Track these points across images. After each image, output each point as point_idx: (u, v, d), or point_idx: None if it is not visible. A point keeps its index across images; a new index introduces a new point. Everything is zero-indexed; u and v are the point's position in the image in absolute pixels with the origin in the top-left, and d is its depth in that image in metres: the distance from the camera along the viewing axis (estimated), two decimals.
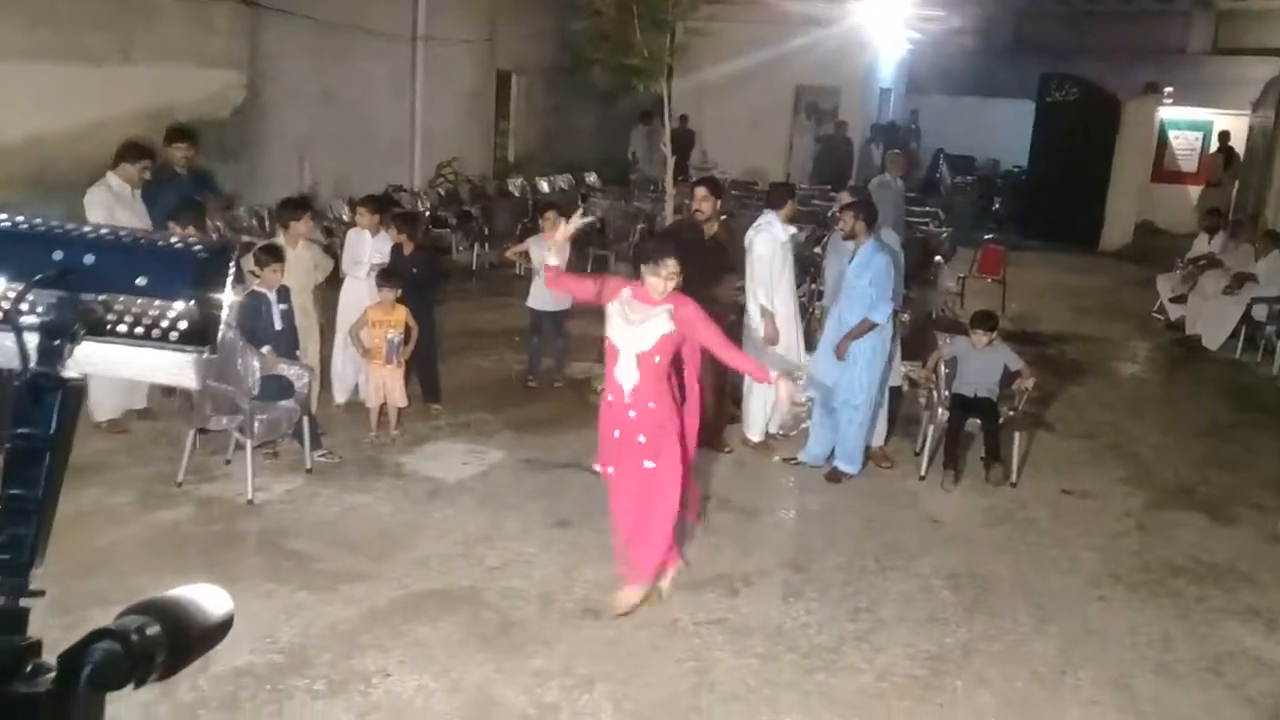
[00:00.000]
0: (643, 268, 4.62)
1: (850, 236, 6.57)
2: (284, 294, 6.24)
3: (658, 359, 4.63)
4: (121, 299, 0.92)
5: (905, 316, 8.00)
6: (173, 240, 0.95)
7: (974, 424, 6.84)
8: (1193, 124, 18.41)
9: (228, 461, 6.26)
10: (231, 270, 0.95)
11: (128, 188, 6.65)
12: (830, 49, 17.68)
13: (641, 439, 4.74)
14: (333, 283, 7.25)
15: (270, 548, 5.36)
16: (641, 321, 4.61)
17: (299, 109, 10.97)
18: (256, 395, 5.98)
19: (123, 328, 0.92)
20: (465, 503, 6.05)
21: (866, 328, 6.45)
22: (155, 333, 0.92)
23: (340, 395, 7.28)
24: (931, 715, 4.31)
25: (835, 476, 6.71)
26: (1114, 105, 16.89)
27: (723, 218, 7.02)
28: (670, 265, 4.54)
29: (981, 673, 4.63)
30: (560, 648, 4.59)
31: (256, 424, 5.85)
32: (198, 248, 0.94)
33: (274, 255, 6.21)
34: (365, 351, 6.80)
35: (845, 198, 7.56)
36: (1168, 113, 18.11)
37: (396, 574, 5.13)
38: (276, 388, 6.09)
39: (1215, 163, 17.41)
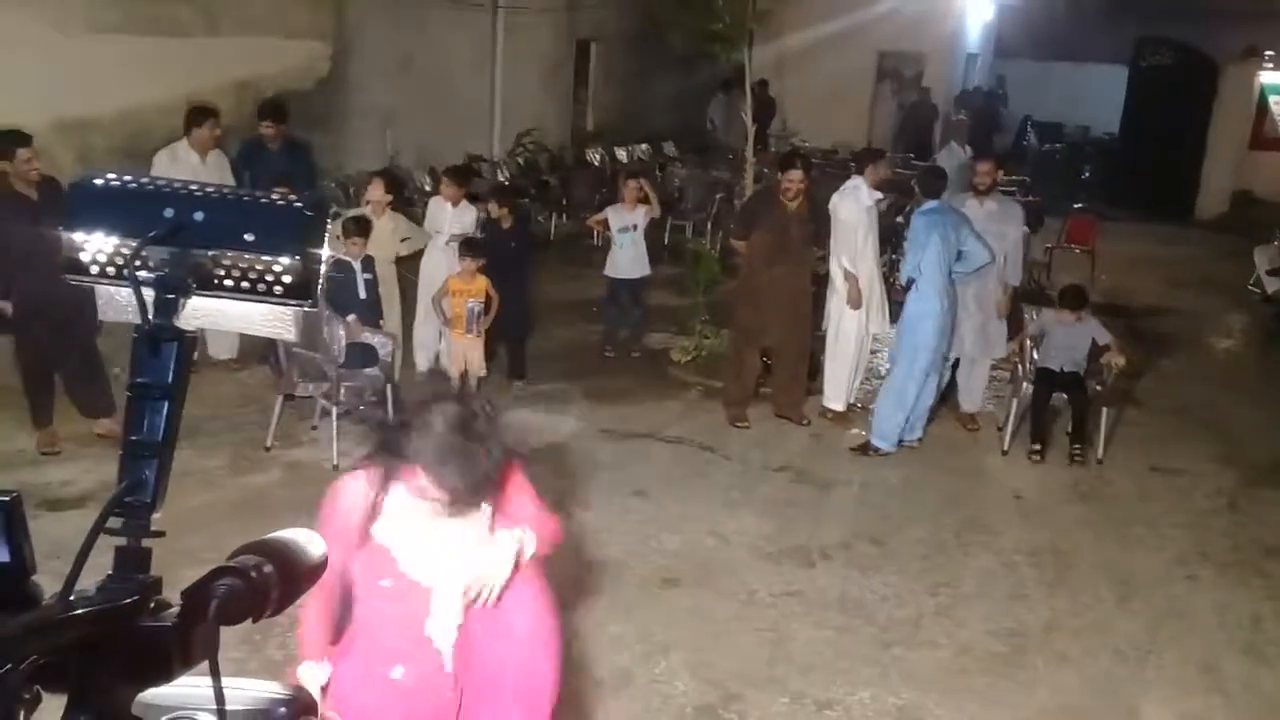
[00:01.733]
0: None
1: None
2: (368, 263, 6.35)
3: None
4: (229, 254, 0.95)
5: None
6: (275, 198, 0.98)
7: (1060, 398, 6.70)
8: None
9: (314, 428, 6.41)
10: (328, 227, 0.98)
11: (195, 155, 6.86)
12: (914, 13, 17.29)
13: None
14: (416, 252, 7.36)
15: None
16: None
17: (381, 80, 11.09)
18: (342, 363, 6.11)
19: (230, 282, 0.96)
20: (542, 471, 6.09)
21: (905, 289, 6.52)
22: (261, 287, 0.96)
23: (422, 363, 7.40)
24: (1012, 691, 4.26)
25: (864, 449, 6.63)
26: (1211, 69, 16.25)
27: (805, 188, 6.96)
28: None
29: (1063, 650, 4.57)
30: (637, 615, 4.64)
31: (342, 391, 5.98)
32: (299, 205, 0.97)
33: (360, 226, 6.33)
34: (446, 320, 6.90)
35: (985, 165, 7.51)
36: (1268, 77, 17.35)
37: None
38: (361, 355, 6.21)
39: None
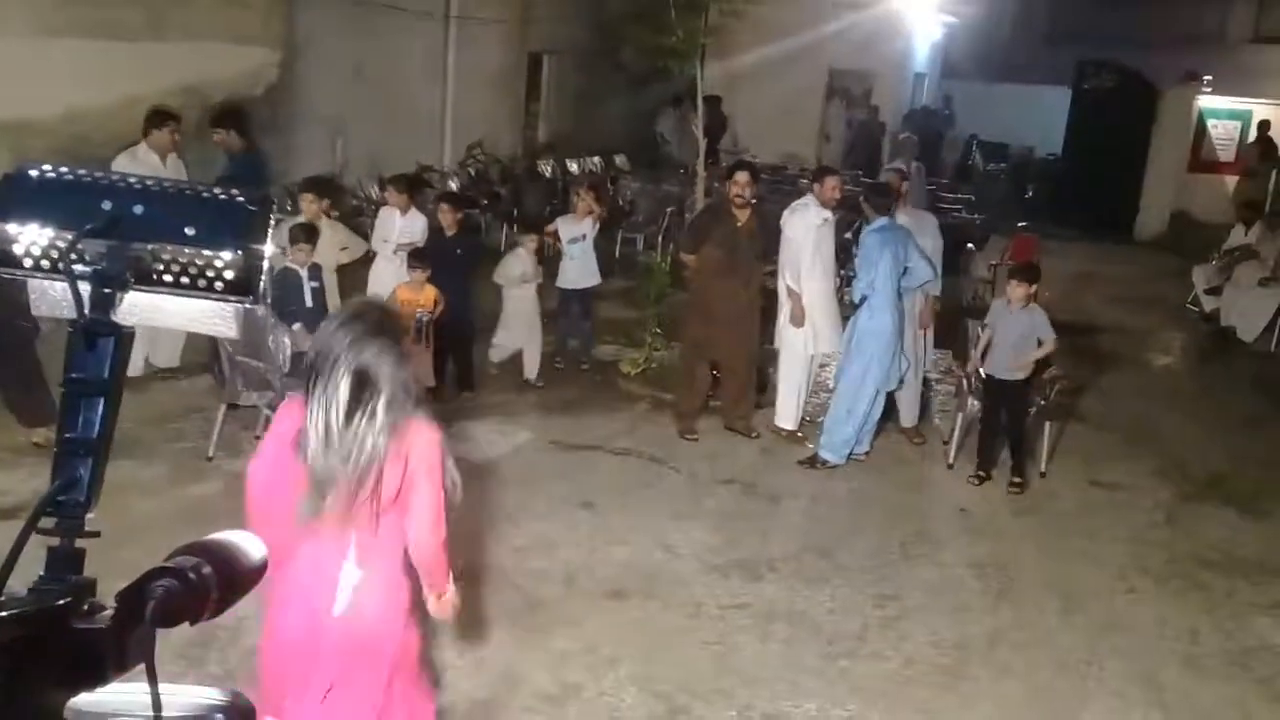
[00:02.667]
0: None
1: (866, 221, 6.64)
2: (315, 271, 6.28)
3: None
4: (170, 248, 0.93)
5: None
6: (218, 192, 0.96)
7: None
8: (1232, 113, 18.09)
9: (257, 437, 6.29)
10: (272, 224, 0.95)
11: (155, 156, 6.86)
12: (864, 33, 17.51)
13: None
14: (363, 260, 7.30)
15: None
16: None
17: (332, 87, 10.99)
18: (287, 372, 6.02)
19: (169, 277, 0.94)
20: (491, 482, 6.08)
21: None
22: (201, 282, 0.94)
23: None
24: (956, 703, 4.30)
25: (812, 462, 6.65)
26: (1151, 93, 16.66)
27: (753, 201, 7.00)
28: None
29: (1007, 662, 4.62)
30: (585, 627, 4.61)
31: (287, 399, 5.89)
32: (242, 199, 0.95)
33: (308, 233, 6.26)
34: None
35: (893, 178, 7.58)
36: (1206, 101, 17.81)
37: None
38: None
39: (1253, 153, 17.14)
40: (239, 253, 0.93)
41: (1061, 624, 5.00)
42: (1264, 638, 5.02)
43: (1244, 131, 17.99)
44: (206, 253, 0.92)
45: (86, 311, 0.91)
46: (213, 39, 9.32)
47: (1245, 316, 10.78)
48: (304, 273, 6.22)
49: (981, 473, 6.58)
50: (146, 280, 0.93)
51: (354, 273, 7.18)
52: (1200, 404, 8.80)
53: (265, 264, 0.95)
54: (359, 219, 9.25)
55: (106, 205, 0.91)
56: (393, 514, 2.58)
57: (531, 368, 7.67)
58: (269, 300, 6.36)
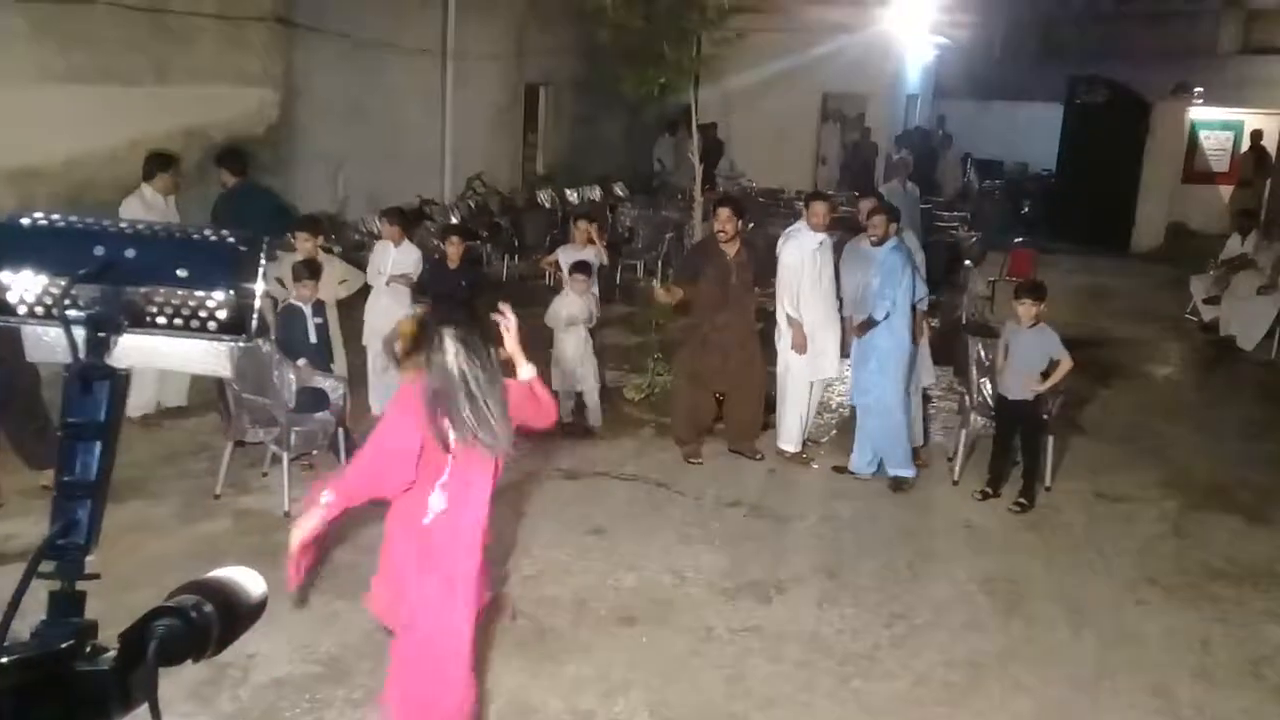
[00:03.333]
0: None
1: (883, 240, 6.60)
2: (319, 307, 6.32)
3: None
4: (162, 290, 0.94)
5: (934, 321, 7.98)
6: (207, 233, 0.97)
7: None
8: (1224, 124, 18.21)
9: (265, 474, 6.34)
10: (263, 263, 0.97)
11: (160, 198, 7.06)
12: (857, 55, 17.65)
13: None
14: (361, 293, 7.34)
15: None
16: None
17: (332, 126, 11.09)
18: (292, 408, 6.06)
19: (163, 319, 0.95)
20: (500, 511, 6.05)
21: (867, 325, 6.53)
22: (194, 323, 0.95)
23: (376, 407, 7.34)
24: None
25: (897, 485, 6.68)
26: (1143, 107, 16.77)
27: (739, 233, 7.02)
28: None
29: (1018, 678, 4.62)
30: (596, 654, 4.62)
31: (293, 436, 5.93)
32: (232, 240, 0.96)
33: (310, 270, 6.31)
34: (399, 363, 6.84)
35: (866, 205, 7.58)
36: (1198, 113, 17.93)
37: None
38: (312, 400, 6.16)
39: (1247, 162, 17.23)
40: (230, 292, 0.94)
41: (1072, 638, 5.00)
42: (1277, 645, 5.01)
43: (1236, 142, 18.09)
44: (199, 294, 0.94)
45: (81, 356, 0.92)
46: (213, 81, 9.43)
47: (1244, 325, 10.81)
48: (307, 309, 6.27)
49: (988, 489, 6.59)
50: (140, 323, 0.94)
51: (354, 305, 7.22)
52: (1202, 413, 8.82)
53: (257, 302, 0.97)
54: (361, 254, 9.30)
55: (99, 250, 0.93)
56: (473, 463, 3.47)
57: (593, 414, 7.50)
58: (273, 337, 6.41)
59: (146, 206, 6.93)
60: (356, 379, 7.21)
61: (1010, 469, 6.67)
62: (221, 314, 0.95)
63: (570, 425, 7.45)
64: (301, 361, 6.19)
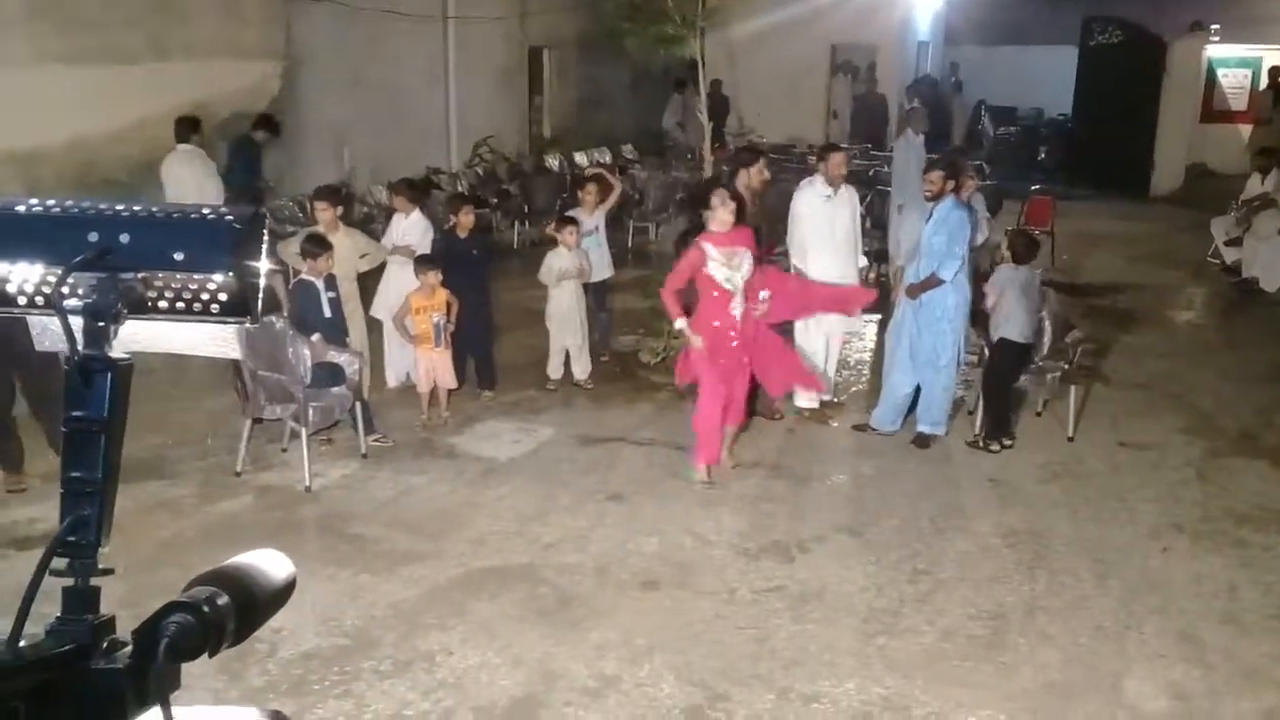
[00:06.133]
0: (708, 213, 5.68)
1: (937, 197, 6.40)
2: (331, 282, 6.30)
3: (751, 279, 5.77)
4: (160, 275, 0.91)
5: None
6: (205, 212, 0.94)
7: (1025, 380, 6.73)
8: (1241, 61, 17.89)
9: (284, 450, 6.35)
10: (266, 238, 0.94)
11: (199, 151, 8.15)
12: (864, 5, 17.40)
13: (737, 345, 5.88)
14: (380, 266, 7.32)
15: (330, 533, 5.45)
16: (739, 262, 5.71)
17: (334, 96, 11.02)
18: (309, 383, 6.05)
19: (164, 304, 0.92)
20: (518, 480, 6.10)
21: (934, 283, 6.33)
22: (196, 307, 0.92)
23: (393, 380, 7.35)
24: (995, 674, 4.28)
25: (923, 442, 6.61)
26: (1159, 46, 16.46)
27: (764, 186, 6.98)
28: (727, 197, 5.72)
29: (1044, 629, 4.60)
30: (619, 619, 4.62)
31: (311, 411, 5.93)
32: (230, 218, 0.93)
33: (321, 244, 6.27)
34: (413, 338, 6.84)
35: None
36: (1215, 51, 17.61)
37: (454, 553, 5.19)
38: (328, 375, 6.16)
39: (1265, 100, 16.93)
40: (230, 274, 0.91)
41: (1097, 588, 4.97)
42: None
43: (1255, 79, 17.77)
44: (198, 277, 0.91)
45: (80, 347, 0.90)
46: (214, 56, 9.37)
47: (1267, 266, 10.66)
48: (320, 284, 6.24)
49: (1006, 440, 6.55)
50: (141, 309, 0.91)
51: (373, 279, 7.20)
52: (1226, 358, 8.72)
53: (261, 282, 0.94)
54: (370, 226, 9.27)
55: (93, 237, 0.90)
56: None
57: (580, 368, 7.59)
58: (286, 313, 6.40)
59: (187, 160, 7.76)
60: (374, 352, 7.22)
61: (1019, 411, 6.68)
62: (223, 296, 0.92)
63: (560, 382, 7.52)
64: (316, 336, 6.17)
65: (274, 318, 6.24)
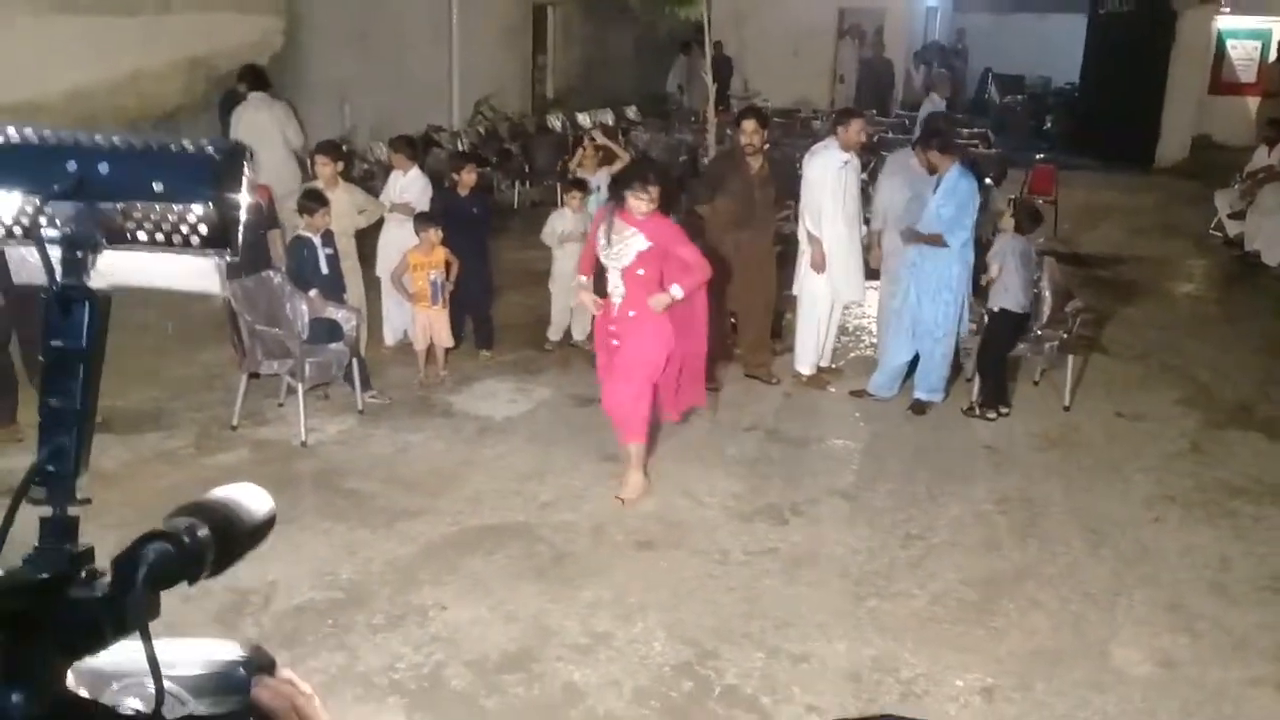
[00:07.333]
0: (627, 191, 5.11)
1: (934, 170, 6.36)
2: (328, 238, 6.28)
3: (640, 272, 5.15)
4: (140, 206, 0.91)
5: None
6: (185, 144, 0.94)
7: (1023, 349, 6.74)
8: (1252, 33, 17.75)
9: (280, 405, 6.36)
10: (247, 171, 0.93)
11: (268, 97, 8.36)
12: None
13: (615, 342, 5.32)
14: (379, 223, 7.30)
15: (326, 488, 5.47)
16: (621, 241, 5.14)
17: (337, 53, 10.94)
18: (306, 339, 6.05)
19: (143, 235, 0.91)
20: (515, 439, 6.11)
21: (937, 240, 6.27)
22: (176, 238, 0.91)
23: (390, 338, 7.35)
24: (984, 638, 4.32)
25: (920, 408, 6.61)
26: (1169, 16, 16.32)
27: (765, 147, 6.92)
28: (651, 190, 5.06)
29: (1034, 596, 4.63)
30: (612, 578, 4.65)
31: (307, 367, 5.93)
32: (210, 149, 0.93)
33: (317, 200, 6.25)
34: (410, 296, 6.82)
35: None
36: (1225, 22, 17.46)
37: (450, 510, 5.21)
38: (325, 331, 6.15)
39: (1274, 72, 16.81)
40: (210, 204, 0.91)
41: (1089, 556, 4.99)
42: None
43: (1264, 51, 17.65)
44: (178, 207, 0.91)
45: (59, 278, 0.90)
46: (217, 10, 9.29)
47: (1270, 240, 10.63)
48: (317, 240, 6.22)
49: (1003, 408, 6.56)
50: (120, 240, 0.91)
51: (372, 235, 7.18)
52: (1225, 330, 8.71)
53: (241, 214, 0.93)
54: (370, 183, 9.23)
55: (71, 166, 0.90)
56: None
57: (580, 329, 7.54)
58: (284, 269, 6.38)
59: (266, 105, 8.11)
60: (371, 308, 7.21)
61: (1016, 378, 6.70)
62: (203, 228, 0.91)
63: (558, 343, 7.52)
64: (313, 292, 6.16)
65: (272, 272, 6.23)
